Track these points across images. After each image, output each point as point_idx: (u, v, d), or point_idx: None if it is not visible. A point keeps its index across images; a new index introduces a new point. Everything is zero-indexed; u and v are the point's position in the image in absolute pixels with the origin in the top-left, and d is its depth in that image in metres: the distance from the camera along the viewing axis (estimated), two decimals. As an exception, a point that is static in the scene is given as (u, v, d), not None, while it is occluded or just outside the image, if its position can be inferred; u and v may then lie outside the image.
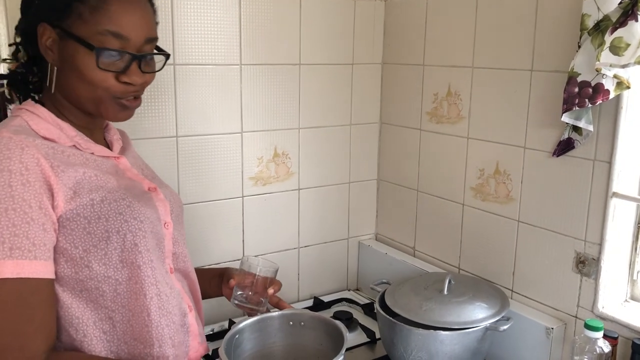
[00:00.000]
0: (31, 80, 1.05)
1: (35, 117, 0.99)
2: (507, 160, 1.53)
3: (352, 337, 1.65)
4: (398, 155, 1.88)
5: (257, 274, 1.23)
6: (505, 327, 1.34)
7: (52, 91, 1.00)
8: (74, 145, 1.01)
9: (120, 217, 0.98)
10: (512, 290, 1.56)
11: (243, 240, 1.74)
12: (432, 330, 1.33)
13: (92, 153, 1.03)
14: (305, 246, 1.87)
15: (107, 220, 0.97)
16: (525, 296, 1.52)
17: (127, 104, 1.03)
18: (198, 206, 1.64)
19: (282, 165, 1.78)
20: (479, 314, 1.37)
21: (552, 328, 1.40)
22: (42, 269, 0.88)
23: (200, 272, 1.29)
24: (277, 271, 1.26)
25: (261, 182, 1.74)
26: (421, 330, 1.33)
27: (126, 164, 1.11)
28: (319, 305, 1.83)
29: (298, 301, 1.88)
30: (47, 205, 0.91)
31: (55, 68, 0.98)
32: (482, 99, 1.59)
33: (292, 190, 1.81)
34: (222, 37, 1.60)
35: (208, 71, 1.59)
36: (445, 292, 1.42)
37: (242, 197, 1.72)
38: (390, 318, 1.39)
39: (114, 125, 1.19)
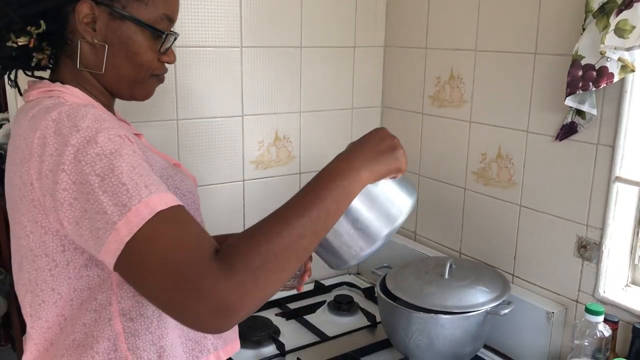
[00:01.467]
0: (34, 57, 1.03)
1: (72, 97, 0.95)
2: (510, 144, 1.52)
3: (353, 321, 1.66)
4: (401, 140, 1.86)
5: None
6: (506, 311, 1.34)
7: (78, 68, 0.97)
8: None
9: (179, 192, 0.99)
10: (513, 275, 1.56)
11: (244, 224, 1.74)
12: (432, 314, 1.33)
13: (127, 131, 1.02)
14: (306, 230, 1.86)
15: (172, 194, 0.94)
16: (526, 280, 1.52)
17: (160, 81, 1.06)
18: (199, 190, 1.63)
19: (283, 149, 1.77)
20: (479, 298, 1.37)
21: (553, 312, 1.40)
22: (174, 199, 0.84)
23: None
24: None
25: (262, 165, 1.73)
26: (422, 314, 1.33)
27: (146, 140, 1.11)
28: (319, 289, 1.83)
29: (299, 285, 1.88)
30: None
31: (106, 48, 0.96)
32: (485, 83, 1.57)
33: (294, 174, 1.81)
34: (223, 19, 1.58)
35: (208, 53, 1.58)
36: (446, 276, 1.42)
37: (243, 181, 1.71)
38: (391, 301, 1.39)
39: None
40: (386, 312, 1.43)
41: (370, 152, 0.95)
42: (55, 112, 0.87)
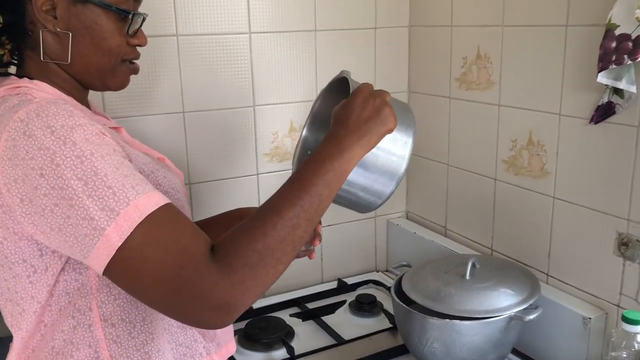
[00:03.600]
0: None
1: (40, 93, 0.88)
2: (541, 129, 1.36)
3: (373, 323, 1.55)
4: (427, 127, 1.73)
5: None
6: (532, 316, 1.19)
7: (43, 60, 0.91)
8: None
9: (161, 189, 0.93)
10: (547, 274, 1.40)
11: (260, 220, 1.65)
12: (447, 320, 1.20)
13: (103, 125, 0.96)
14: (328, 225, 1.76)
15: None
16: (562, 281, 1.36)
17: (135, 67, 1.00)
18: (210, 185, 1.57)
19: (300, 140, 1.67)
20: (503, 301, 1.22)
21: (590, 318, 1.24)
22: (164, 197, 0.81)
23: (210, 221, 1.22)
24: None
25: (277, 158, 1.64)
26: (435, 320, 1.21)
27: (127, 134, 1.04)
28: (342, 287, 1.73)
29: (322, 282, 1.79)
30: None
31: (70, 36, 0.90)
32: (513, 62, 1.41)
33: (313, 166, 1.70)
34: (228, 4, 1.49)
35: (214, 41, 1.50)
36: (468, 277, 1.29)
37: (257, 174, 1.63)
38: (403, 305, 1.27)
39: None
40: (400, 316, 1.31)
41: (356, 124, 0.91)
42: (23, 111, 0.80)
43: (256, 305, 1.61)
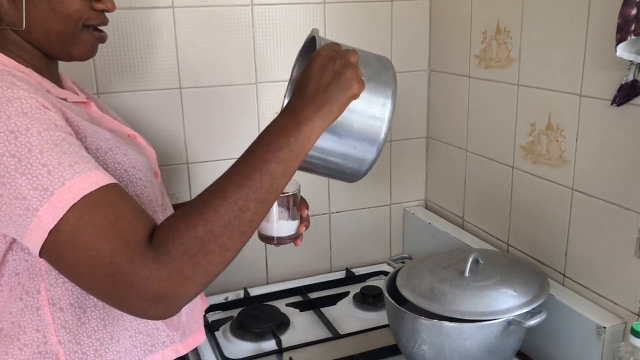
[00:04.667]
0: None
1: None
2: (561, 111, 1.21)
3: (376, 317, 1.44)
4: (447, 109, 1.59)
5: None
6: (533, 322, 1.06)
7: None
8: (47, 91, 0.88)
9: (119, 167, 0.87)
10: (564, 275, 1.25)
11: (263, 203, 1.58)
12: (435, 321, 1.09)
13: (65, 99, 0.90)
14: (338, 212, 1.67)
15: (105, 171, 0.85)
16: (579, 283, 1.21)
17: (101, 35, 0.92)
18: (209, 165, 1.50)
19: (307, 121, 1.57)
20: (502, 303, 1.09)
21: (604, 327, 1.09)
22: (107, 176, 0.76)
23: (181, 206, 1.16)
24: (300, 187, 1.08)
25: (281, 139, 1.55)
26: (423, 320, 1.09)
27: (96, 109, 0.99)
28: (350, 278, 1.63)
29: (331, 272, 1.69)
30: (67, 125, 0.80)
31: (23, 0, 0.84)
32: (533, 36, 1.26)
33: (321, 148, 1.61)
34: (228, -26, 1.42)
35: (213, 13, 1.42)
36: (467, 274, 1.16)
37: (260, 155, 1.55)
38: (392, 301, 1.16)
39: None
40: (390, 314, 1.20)
41: (315, 92, 0.82)
42: None
43: (254, 293, 1.54)
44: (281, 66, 1.51)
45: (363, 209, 1.69)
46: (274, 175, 0.78)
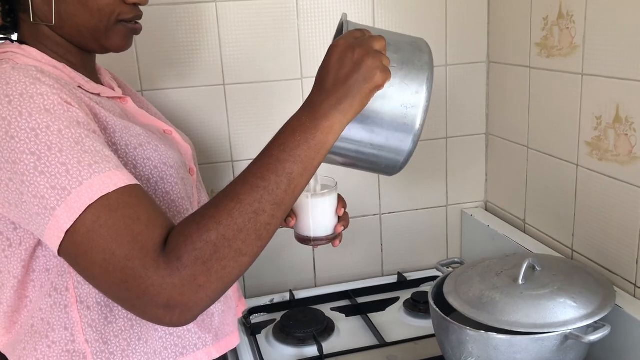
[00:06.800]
0: None
1: (25, 59, 0.83)
2: (630, 102, 1.08)
3: (426, 325, 1.35)
4: (507, 103, 1.48)
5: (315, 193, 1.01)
6: (595, 337, 0.94)
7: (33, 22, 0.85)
8: (79, 86, 0.87)
9: (149, 163, 0.86)
10: (635, 285, 1.12)
11: (310, 203, 1.52)
12: (483, 332, 0.99)
13: (99, 94, 0.90)
14: (390, 212, 1.58)
15: (135, 167, 0.85)
16: (652, 295, 1.08)
17: (135, 27, 0.91)
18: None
19: (357, 117, 1.51)
20: (558, 314, 0.99)
21: (679, 346, 0.96)
22: (127, 176, 0.74)
23: None
24: (337, 184, 1.04)
25: (328, 136, 1.49)
26: (469, 330, 1.00)
27: (133, 105, 0.97)
28: (402, 283, 1.55)
29: (382, 276, 1.62)
30: (94, 123, 0.78)
31: None
32: (599, 19, 1.14)
33: (371, 146, 1.53)
34: (271, -34, 1.37)
35: (256, 6, 1.38)
36: (521, 281, 1.06)
37: (306, 153, 1.49)
38: (437, 309, 1.07)
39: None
40: (436, 323, 1.12)
41: (333, 85, 0.76)
42: None
43: (300, 295, 1.49)
44: (328, 60, 1.45)
45: (417, 210, 1.60)
46: (291, 175, 0.73)
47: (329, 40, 1.44)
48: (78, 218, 0.69)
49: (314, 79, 1.44)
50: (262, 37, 1.40)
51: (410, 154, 0.88)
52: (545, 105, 1.33)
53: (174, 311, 0.70)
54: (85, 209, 0.69)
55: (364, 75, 0.75)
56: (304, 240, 1.03)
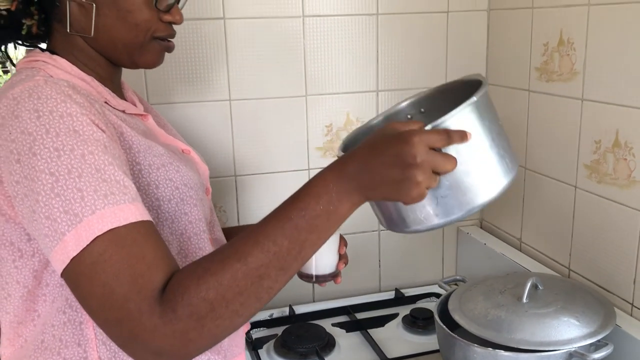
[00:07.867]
0: (24, 24, 0.93)
1: (56, 70, 0.84)
2: (629, 128, 1.12)
3: (426, 341, 1.37)
4: (506, 124, 1.51)
5: None
6: (599, 355, 0.98)
7: (69, 33, 0.85)
8: (106, 102, 0.87)
9: (171, 184, 0.86)
10: (632, 305, 1.15)
11: (311, 219, 1.54)
12: (490, 349, 1.02)
13: (123, 111, 0.90)
14: (386, 229, 1.60)
15: (157, 188, 0.85)
16: (649, 314, 1.12)
17: (168, 44, 0.91)
18: (256, 178, 1.48)
19: (358, 135, 1.53)
20: (563, 332, 1.02)
21: (678, 364, 1.00)
22: (140, 211, 0.73)
23: (229, 231, 1.13)
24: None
25: (330, 153, 1.52)
26: (476, 347, 1.03)
27: (153, 123, 0.97)
28: (399, 299, 1.57)
29: (379, 291, 1.63)
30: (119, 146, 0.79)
31: (94, 7, 0.84)
32: (599, 47, 1.18)
33: (372, 163, 1.56)
34: (280, -15, 1.40)
35: (264, 24, 1.40)
36: (525, 300, 1.09)
37: (308, 169, 1.51)
38: (443, 326, 1.10)
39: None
40: (441, 339, 1.14)
41: (377, 168, 0.70)
42: (18, 88, 0.76)
43: (300, 310, 1.50)
44: (332, 79, 1.48)
45: (414, 227, 1.63)
46: (304, 244, 0.71)
47: (333, 59, 1.46)
48: (85, 247, 0.68)
49: (317, 97, 1.44)
50: (268, 54, 1.42)
51: (444, 223, 0.80)
52: (544, 127, 1.37)
53: (162, 358, 0.69)
54: (93, 240, 0.68)
55: (404, 185, 0.70)
56: (307, 277, 1.03)
